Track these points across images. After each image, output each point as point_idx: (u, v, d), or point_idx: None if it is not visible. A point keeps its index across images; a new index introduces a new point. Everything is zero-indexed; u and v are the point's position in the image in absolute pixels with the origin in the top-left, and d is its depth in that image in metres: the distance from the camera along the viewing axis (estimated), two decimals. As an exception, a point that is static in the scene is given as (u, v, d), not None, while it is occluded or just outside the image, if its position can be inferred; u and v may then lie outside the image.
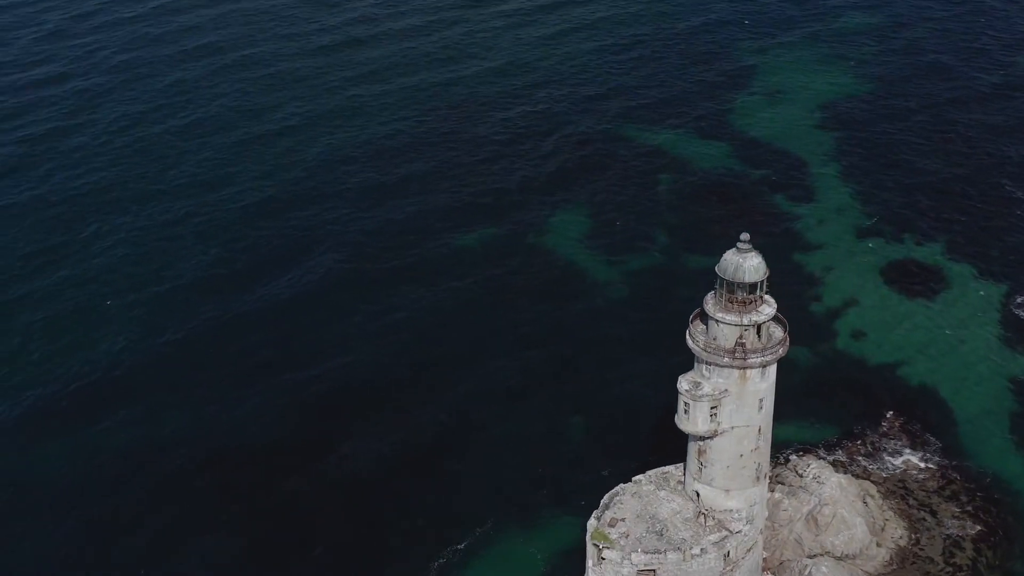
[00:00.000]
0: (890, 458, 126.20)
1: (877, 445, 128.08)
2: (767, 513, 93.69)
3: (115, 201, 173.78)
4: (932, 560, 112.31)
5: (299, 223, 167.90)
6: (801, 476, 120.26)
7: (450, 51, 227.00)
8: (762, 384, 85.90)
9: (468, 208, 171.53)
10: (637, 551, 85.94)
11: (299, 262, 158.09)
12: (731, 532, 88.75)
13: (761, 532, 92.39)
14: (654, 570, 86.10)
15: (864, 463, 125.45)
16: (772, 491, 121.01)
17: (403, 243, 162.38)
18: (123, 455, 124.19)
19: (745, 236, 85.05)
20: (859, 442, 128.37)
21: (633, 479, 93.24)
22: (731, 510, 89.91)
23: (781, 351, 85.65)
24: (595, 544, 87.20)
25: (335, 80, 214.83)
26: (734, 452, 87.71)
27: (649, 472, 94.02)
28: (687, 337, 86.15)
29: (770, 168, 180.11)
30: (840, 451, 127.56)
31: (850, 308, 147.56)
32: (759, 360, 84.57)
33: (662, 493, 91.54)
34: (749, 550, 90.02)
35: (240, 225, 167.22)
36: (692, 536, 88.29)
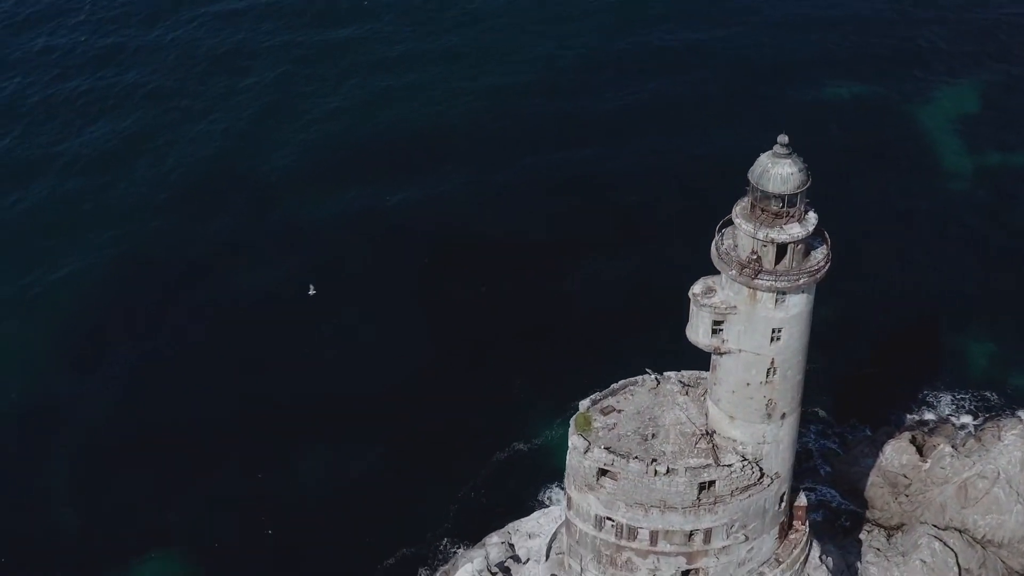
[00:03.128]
0: None
1: None
2: (788, 457, 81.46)
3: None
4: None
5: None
6: (1000, 439, 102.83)
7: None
8: (777, 312, 73.42)
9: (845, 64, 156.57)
10: (600, 447, 79.09)
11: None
12: (716, 463, 78.78)
13: (777, 476, 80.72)
14: (616, 474, 79.04)
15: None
16: (954, 446, 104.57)
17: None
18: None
19: (783, 138, 71.52)
20: None
21: (665, 374, 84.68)
22: (735, 440, 79.49)
23: (804, 280, 72.41)
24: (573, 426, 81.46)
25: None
26: (740, 378, 76.65)
27: (685, 371, 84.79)
28: (714, 240, 75.68)
29: None
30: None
31: None
32: (769, 284, 72.25)
33: (681, 398, 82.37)
34: (745, 491, 79.40)
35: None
36: (674, 453, 79.48)
